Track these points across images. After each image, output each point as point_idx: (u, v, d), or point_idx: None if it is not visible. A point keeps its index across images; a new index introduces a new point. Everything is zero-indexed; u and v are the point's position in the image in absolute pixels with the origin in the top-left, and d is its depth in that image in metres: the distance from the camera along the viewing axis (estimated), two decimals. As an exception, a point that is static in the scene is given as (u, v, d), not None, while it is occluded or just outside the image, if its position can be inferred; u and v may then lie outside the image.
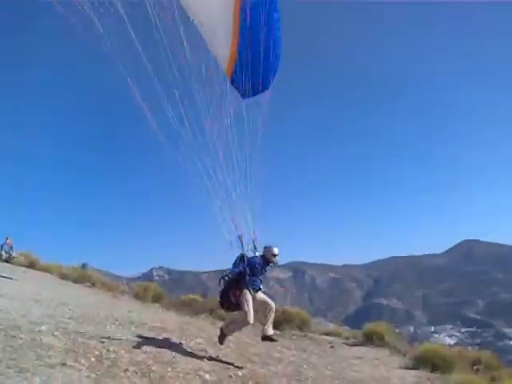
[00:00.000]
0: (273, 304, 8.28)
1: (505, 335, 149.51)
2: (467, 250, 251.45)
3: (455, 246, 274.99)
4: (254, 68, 7.81)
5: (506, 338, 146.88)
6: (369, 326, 13.69)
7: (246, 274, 8.00)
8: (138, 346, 7.70)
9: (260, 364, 8.47)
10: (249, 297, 7.94)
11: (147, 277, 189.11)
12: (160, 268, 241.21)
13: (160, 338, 9.12)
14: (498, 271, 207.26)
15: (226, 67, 8.06)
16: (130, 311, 12.30)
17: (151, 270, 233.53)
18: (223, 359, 8.19)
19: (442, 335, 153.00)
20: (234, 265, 8.24)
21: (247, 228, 8.24)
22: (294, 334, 13.39)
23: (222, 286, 8.16)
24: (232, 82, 8.17)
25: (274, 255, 8.49)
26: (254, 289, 8.07)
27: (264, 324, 8.30)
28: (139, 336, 8.75)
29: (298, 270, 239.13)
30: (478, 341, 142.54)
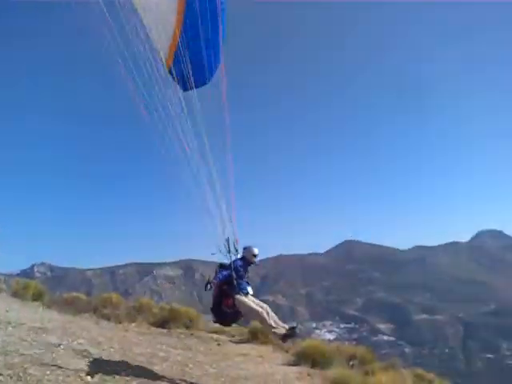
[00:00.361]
0: (266, 306, 8.10)
1: (379, 330, 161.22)
2: (348, 250, 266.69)
3: (337, 245, 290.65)
4: (193, 61, 7.67)
5: (380, 333, 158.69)
6: (254, 324, 14.06)
7: (233, 278, 7.86)
8: (14, 347, 7.28)
9: (145, 363, 8.42)
10: (243, 298, 7.85)
11: (27, 274, 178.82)
12: (42, 264, 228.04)
13: (40, 338, 8.65)
14: (376, 271, 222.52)
15: (165, 60, 7.89)
16: (7, 310, 11.53)
17: (32, 266, 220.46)
18: (106, 360, 8.03)
19: (322, 331, 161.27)
20: (219, 272, 8.14)
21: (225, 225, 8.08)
22: (181, 333, 13.43)
23: (209, 289, 8.03)
24: (171, 74, 8.01)
25: (255, 255, 8.47)
26: (243, 293, 7.96)
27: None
28: (16, 337, 8.26)
29: (188, 267, 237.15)
30: (355, 336, 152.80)
